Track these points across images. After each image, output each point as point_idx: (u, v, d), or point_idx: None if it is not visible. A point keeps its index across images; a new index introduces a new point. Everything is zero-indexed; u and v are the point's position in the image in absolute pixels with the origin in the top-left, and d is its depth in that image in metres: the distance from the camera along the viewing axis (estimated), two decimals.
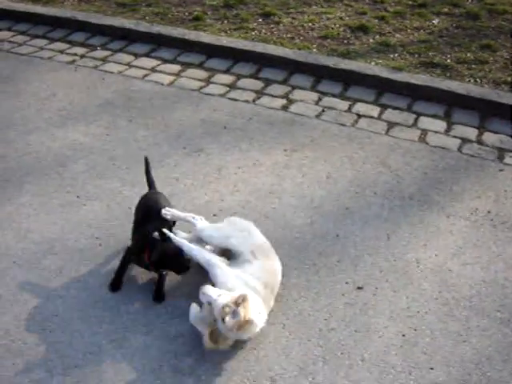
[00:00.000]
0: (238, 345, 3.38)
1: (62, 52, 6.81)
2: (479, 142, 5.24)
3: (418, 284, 3.81)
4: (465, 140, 5.25)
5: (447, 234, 4.21)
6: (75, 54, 6.75)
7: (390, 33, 6.95)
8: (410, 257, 4.01)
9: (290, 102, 5.81)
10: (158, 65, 6.51)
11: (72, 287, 3.77)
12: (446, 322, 3.57)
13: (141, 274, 3.82)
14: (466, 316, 3.60)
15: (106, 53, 6.78)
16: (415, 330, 3.51)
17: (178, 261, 3.59)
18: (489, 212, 4.41)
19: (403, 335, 3.48)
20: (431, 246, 4.11)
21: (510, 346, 3.42)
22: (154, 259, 3.57)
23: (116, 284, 3.74)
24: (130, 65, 6.52)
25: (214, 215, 4.31)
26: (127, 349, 3.38)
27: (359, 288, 3.77)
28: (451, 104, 5.74)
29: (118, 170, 4.83)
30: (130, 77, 6.27)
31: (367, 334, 3.48)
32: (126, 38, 7.03)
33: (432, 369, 3.29)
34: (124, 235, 4.10)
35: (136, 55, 6.72)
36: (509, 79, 5.95)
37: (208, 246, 3.73)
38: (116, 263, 3.88)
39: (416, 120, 5.53)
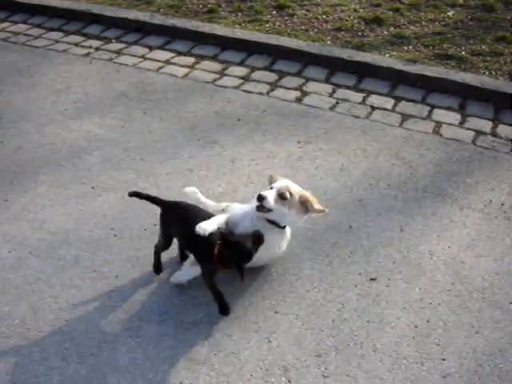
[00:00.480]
0: (251, 335, 3.42)
1: (77, 45, 6.85)
2: (493, 134, 5.22)
3: (430, 276, 3.82)
4: (479, 132, 5.23)
5: (460, 226, 4.21)
6: (90, 47, 6.79)
7: (404, 25, 6.92)
8: (423, 248, 4.02)
9: (304, 94, 5.82)
10: (173, 57, 6.53)
11: (87, 277, 3.81)
12: (458, 313, 3.57)
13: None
14: (478, 308, 3.61)
15: (120, 45, 6.81)
16: (428, 321, 3.52)
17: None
18: (502, 204, 4.41)
19: (416, 326, 3.49)
20: (444, 237, 4.11)
21: None
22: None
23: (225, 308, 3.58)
24: (144, 57, 6.55)
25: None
26: (142, 338, 3.41)
27: (372, 279, 3.79)
28: (465, 96, 5.72)
29: (133, 161, 4.86)
30: (144, 69, 6.30)
31: (380, 324, 3.50)
32: (141, 30, 7.06)
33: (444, 360, 3.30)
34: (138, 225, 4.16)
35: (150, 48, 6.75)
36: None
37: None
38: (130, 253, 3.95)
39: (430, 112, 5.52)
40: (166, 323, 3.49)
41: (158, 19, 7.10)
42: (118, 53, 6.65)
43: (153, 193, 4.35)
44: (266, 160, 4.86)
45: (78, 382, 3.18)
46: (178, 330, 3.45)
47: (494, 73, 5.94)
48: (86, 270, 3.87)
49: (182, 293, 3.68)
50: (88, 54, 6.62)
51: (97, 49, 6.75)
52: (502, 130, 5.28)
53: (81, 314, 3.56)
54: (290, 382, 3.19)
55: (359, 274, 3.82)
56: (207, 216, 3.54)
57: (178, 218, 3.60)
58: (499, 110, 5.55)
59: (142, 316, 3.54)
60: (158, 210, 4.14)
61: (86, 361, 3.29)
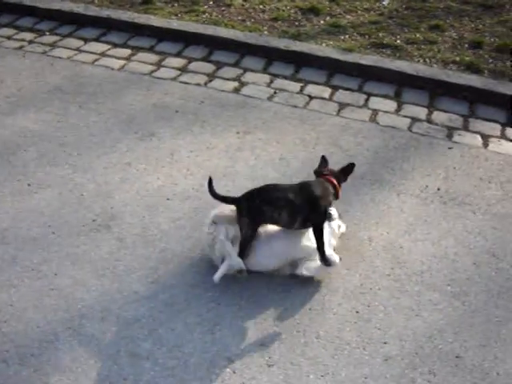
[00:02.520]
0: (195, 328, 3.42)
1: (9, 38, 6.66)
2: (429, 120, 5.33)
3: (370, 261, 3.88)
4: (415, 119, 5.33)
5: (398, 212, 4.29)
6: (23, 40, 6.61)
7: (340, 14, 6.98)
8: (362, 235, 4.08)
9: (242, 84, 5.82)
10: (108, 49, 6.42)
11: (25, 276, 3.73)
12: (398, 297, 3.65)
13: (96, 262, 3.81)
14: (417, 291, 3.69)
15: (54, 38, 6.66)
16: (368, 306, 3.59)
17: None
18: (438, 189, 4.51)
19: (357, 312, 3.55)
20: (383, 223, 4.18)
21: (461, 319, 3.52)
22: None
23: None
24: (79, 50, 6.41)
25: (168, 199, 4.31)
26: (83, 336, 3.36)
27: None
28: (401, 84, 5.81)
29: (69, 156, 4.77)
30: (79, 62, 6.17)
31: (322, 311, 3.54)
32: (75, 22, 6.91)
33: (385, 343, 3.37)
34: (77, 222, 4.09)
35: (85, 40, 6.61)
36: (457, 59, 6.05)
37: None
38: (69, 251, 3.89)
39: (367, 100, 5.60)
40: (108, 320, 3.45)
41: (93, 11, 6.96)
42: (52, 46, 6.50)
43: (90, 188, 4.33)
44: (205, 151, 4.84)
45: (19, 383, 3.12)
46: (120, 326, 3.42)
47: (428, 60, 6.05)
48: (24, 269, 3.78)
49: (122, 289, 3.64)
50: (21, 48, 6.45)
51: (30, 42, 6.58)
52: (437, 116, 5.39)
53: (20, 314, 3.48)
54: (234, 372, 3.19)
55: None
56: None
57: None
58: (434, 96, 5.66)
59: (83, 314, 3.49)
60: (96, 205, 4.12)
61: (27, 362, 3.22)
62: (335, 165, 4.63)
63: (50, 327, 3.41)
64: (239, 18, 6.89)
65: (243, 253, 3.61)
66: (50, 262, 3.82)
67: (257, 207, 3.56)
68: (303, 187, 3.68)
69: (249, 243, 3.61)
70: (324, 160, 3.92)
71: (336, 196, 3.77)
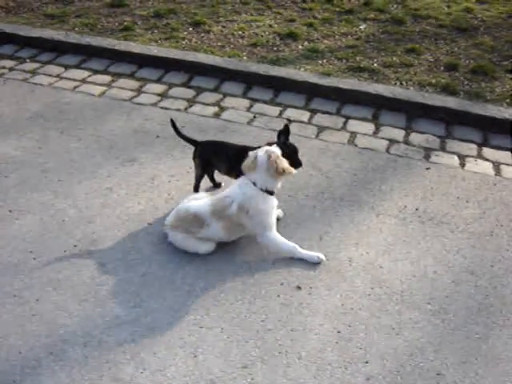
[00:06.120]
0: (177, 351, 3.42)
1: None
2: (406, 142, 5.41)
3: (350, 281, 3.92)
4: (392, 141, 5.42)
5: (377, 232, 4.34)
6: (4, 67, 6.65)
7: (318, 39, 7.09)
8: (342, 256, 4.12)
9: (222, 109, 5.88)
10: (89, 76, 6.48)
11: (7, 302, 3.72)
12: (379, 316, 3.68)
13: (78, 287, 3.81)
14: (398, 310, 3.73)
15: (35, 65, 6.70)
16: (350, 326, 3.61)
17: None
18: (417, 209, 4.57)
19: (338, 332, 3.57)
20: (362, 244, 4.23)
21: (441, 337, 3.56)
22: None
23: None
24: (60, 77, 6.46)
25: (149, 224, 4.33)
26: (66, 361, 3.35)
27: (298, 287, 3.85)
28: (379, 107, 5.92)
29: (51, 182, 4.78)
30: (60, 89, 6.21)
31: (303, 332, 3.56)
32: (56, 49, 6.98)
33: (367, 362, 3.39)
34: (58, 248, 4.10)
35: (66, 67, 6.66)
36: (433, 81, 6.16)
37: None
38: (51, 276, 3.88)
39: (345, 123, 5.68)
40: (90, 345, 3.45)
41: (73, 38, 7.03)
42: (33, 73, 6.54)
43: (71, 213, 4.34)
44: (185, 176, 4.86)
45: None
46: (103, 350, 3.41)
47: (404, 83, 6.16)
48: (6, 295, 3.77)
49: (104, 313, 3.64)
50: (1, 75, 6.48)
51: (11, 69, 6.62)
52: (415, 137, 5.48)
53: (2, 340, 3.47)
54: None
55: (281, 284, 3.88)
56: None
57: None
58: (411, 118, 5.77)
59: (65, 339, 3.48)
60: (77, 230, 4.13)
61: None
62: (314, 187, 4.73)
63: (32, 353, 3.40)
64: (218, 44, 6.98)
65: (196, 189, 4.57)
66: (31, 288, 3.82)
67: (206, 155, 4.49)
68: (243, 150, 4.23)
69: (198, 182, 4.57)
70: (286, 129, 4.36)
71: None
